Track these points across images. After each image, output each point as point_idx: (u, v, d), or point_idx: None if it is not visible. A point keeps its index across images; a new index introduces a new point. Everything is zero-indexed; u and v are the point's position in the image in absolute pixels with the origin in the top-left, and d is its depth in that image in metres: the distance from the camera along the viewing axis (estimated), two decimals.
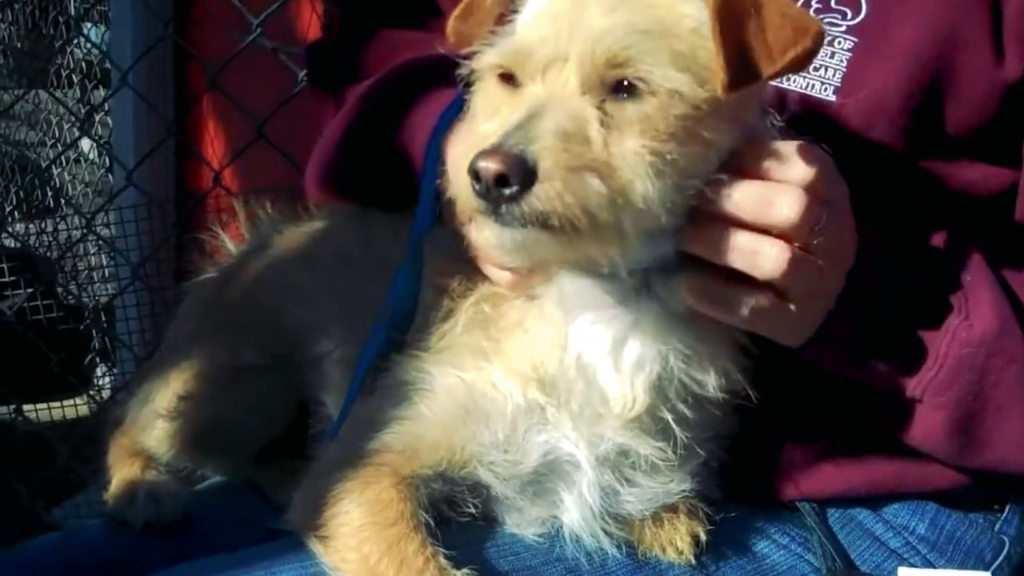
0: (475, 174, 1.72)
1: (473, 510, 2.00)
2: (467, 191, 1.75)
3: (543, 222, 1.72)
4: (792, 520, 2.19)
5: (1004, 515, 2.23)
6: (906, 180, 2.08)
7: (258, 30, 3.96)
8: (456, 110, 2.09)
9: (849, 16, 2.07)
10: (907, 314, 1.98)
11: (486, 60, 1.87)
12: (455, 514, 2.00)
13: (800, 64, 1.82)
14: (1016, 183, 2.12)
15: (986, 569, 2.19)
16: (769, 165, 1.81)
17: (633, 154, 1.74)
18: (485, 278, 2.04)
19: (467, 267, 2.05)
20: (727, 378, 1.99)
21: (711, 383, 1.97)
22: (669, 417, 1.96)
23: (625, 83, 1.77)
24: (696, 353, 1.96)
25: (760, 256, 1.82)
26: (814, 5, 2.08)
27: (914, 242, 2.04)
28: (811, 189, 1.81)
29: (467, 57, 1.92)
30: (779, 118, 1.93)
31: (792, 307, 1.87)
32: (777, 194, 1.81)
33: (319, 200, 2.44)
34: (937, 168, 2.09)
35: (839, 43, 2.06)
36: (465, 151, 1.79)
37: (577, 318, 1.95)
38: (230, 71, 4.30)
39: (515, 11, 1.91)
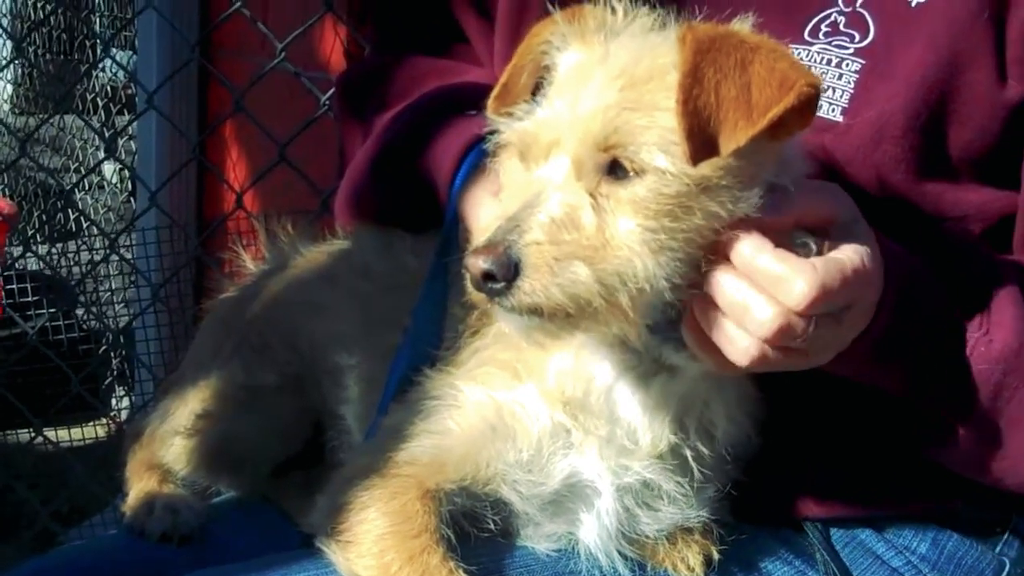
0: (464, 268, 1.79)
1: (493, 526, 2.03)
2: (467, 282, 1.82)
3: (536, 312, 1.78)
4: (797, 538, 2.21)
5: (1005, 537, 2.25)
6: (912, 202, 2.10)
7: (282, 54, 4.01)
8: (482, 151, 2.13)
9: (857, 39, 2.10)
10: (930, 326, 1.98)
11: (504, 138, 1.92)
12: (475, 529, 2.03)
13: (790, 121, 1.77)
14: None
15: None
16: (767, 277, 1.78)
17: (628, 234, 1.77)
18: None
19: None
20: (737, 426, 2.03)
21: (721, 428, 2.02)
22: (688, 454, 2.00)
23: (617, 164, 1.79)
24: (713, 399, 2.00)
25: (732, 345, 1.83)
26: (824, 29, 2.12)
27: (945, 253, 2.04)
28: (799, 311, 1.78)
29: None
30: (806, 165, 1.92)
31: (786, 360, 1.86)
32: (757, 306, 1.79)
33: (347, 224, 2.48)
34: (942, 191, 2.11)
35: (847, 65, 2.10)
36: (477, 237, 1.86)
37: (605, 352, 1.99)
38: (253, 96, 4.35)
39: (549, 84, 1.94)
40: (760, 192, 1.81)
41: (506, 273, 1.76)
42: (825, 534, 2.20)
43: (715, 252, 1.81)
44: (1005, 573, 2.24)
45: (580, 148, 1.80)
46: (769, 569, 2.19)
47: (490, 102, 1.95)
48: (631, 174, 1.78)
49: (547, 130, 1.83)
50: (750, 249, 1.79)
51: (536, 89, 1.93)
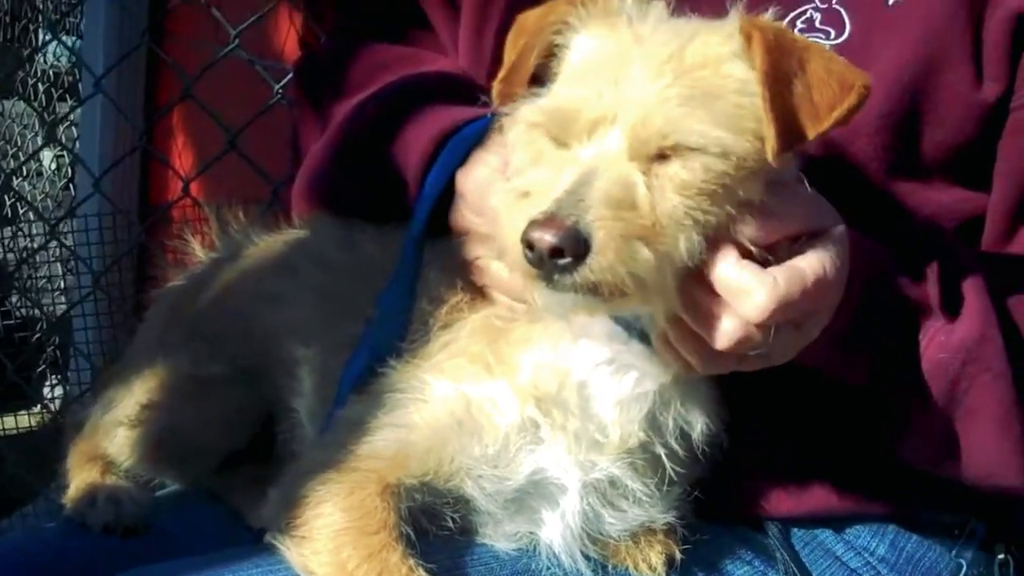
0: (528, 244, 1.73)
1: (451, 523, 1.99)
2: (519, 257, 1.76)
3: (593, 290, 1.74)
4: (758, 538, 2.22)
5: (962, 539, 2.26)
6: (884, 200, 2.11)
7: (236, 41, 3.94)
8: (473, 133, 2.11)
9: (833, 36, 2.10)
10: (892, 316, 1.98)
11: (528, 116, 1.87)
12: (433, 527, 1.99)
13: (846, 120, 1.81)
14: (983, 213, 2.15)
15: None
16: (727, 288, 1.79)
17: (674, 211, 1.76)
18: (488, 299, 2.06)
19: (466, 285, 2.07)
20: (710, 425, 2.02)
21: (698, 427, 2.00)
22: (661, 452, 1.99)
23: (672, 147, 1.78)
24: (689, 397, 1.99)
25: (691, 352, 1.86)
26: (799, 26, 2.11)
27: (913, 243, 2.05)
28: (758, 323, 1.79)
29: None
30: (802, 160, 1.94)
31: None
32: (719, 318, 1.80)
33: (304, 212, 2.41)
34: (913, 190, 2.12)
35: None
36: (514, 211, 1.80)
37: (583, 346, 1.97)
38: (202, 84, 4.27)
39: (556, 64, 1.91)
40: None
41: (576, 248, 1.71)
42: (785, 534, 2.21)
43: None
44: (962, 574, 2.25)
45: (637, 133, 1.77)
46: (730, 569, 2.19)
47: (495, 84, 1.91)
48: (684, 156, 1.77)
49: (592, 108, 1.80)
50: (714, 259, 1.80)
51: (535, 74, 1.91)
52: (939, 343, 1.97)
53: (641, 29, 1.85)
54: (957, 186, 2.14)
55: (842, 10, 2.10)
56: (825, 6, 2.10)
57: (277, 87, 3.91)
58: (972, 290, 2.00)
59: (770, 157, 1.76)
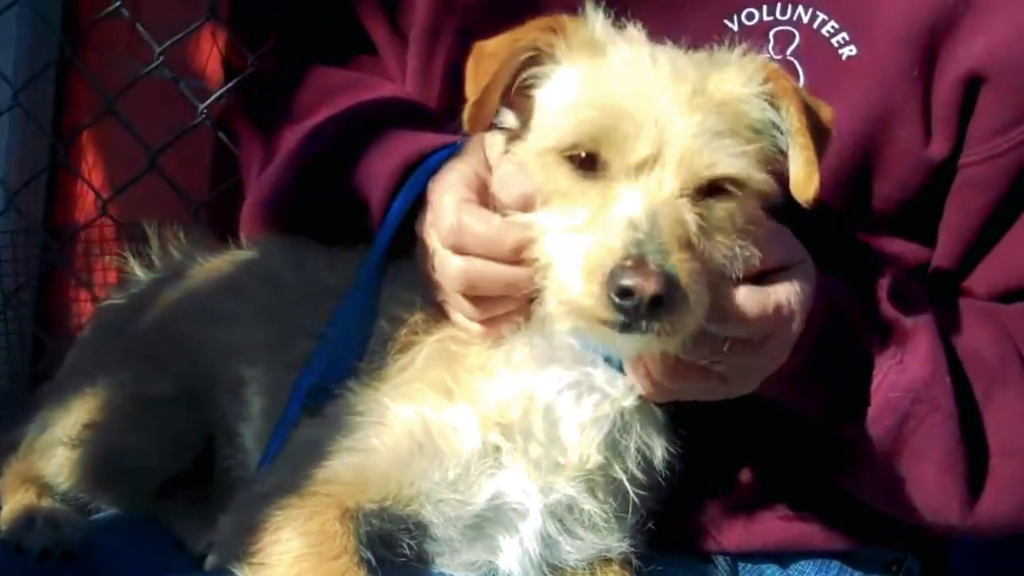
0: (624, 291, 1.69)
1: (408, 551, 1.97)
2: (600, 301, 1.71)
3: (670, 332, 1.73)
4: (708, 570, 2.23)
5: None
6: (834, 247, 2.12)
7: (160, 58, 3.86)
8: (438, 163, 2.07)
9: None
10: (849, 353, 2.02)
11: (558, 141, 1.84)
12: (390, 554, 1.96)
13: None
14: (927, 263, 2.21)
15: None
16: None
17: (717, 249, 1.80)
18: (446, 317, 2.03)
19: (426, 302, 2.04)
20: (670, 450, 2.03)
21: (659, 451, 2.01)
22: (623, 477, 1.99)
23: (714, 185, 1.80)
24: (649, 421, 2.00)
25: None
26: None
27: (865, 281, 2.08)
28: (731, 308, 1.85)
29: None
30: None
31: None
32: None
33: (254, 234, 2.38)
34: (862, 240, 2.16)
35: None
36: (567, 247, 1.78)
37: (545, 371, 1.96)
38: (119, 103, 4.17)
39: (531, 85, 1.91)
40: None
41: (672, 295, 1.69)
42: (733, 568, 2.23)
43: None
44: None
45: (686, 169, 1.78)
46: None
47: (467, 109, 1.87)
48: (726, 193, 1.81)
49: (640, 143, 1.79)
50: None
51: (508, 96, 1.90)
52: (891, 382, 2.02)
53: (641, 60, 1.86)
54: (903, 239, 2.19)
55: (796, 62, 2.14)
56: (779, 57, 2.12)
57: (202, 107, 3.84)
58: (924, 332, 2.04)
59: (808, 197, 1.83)
